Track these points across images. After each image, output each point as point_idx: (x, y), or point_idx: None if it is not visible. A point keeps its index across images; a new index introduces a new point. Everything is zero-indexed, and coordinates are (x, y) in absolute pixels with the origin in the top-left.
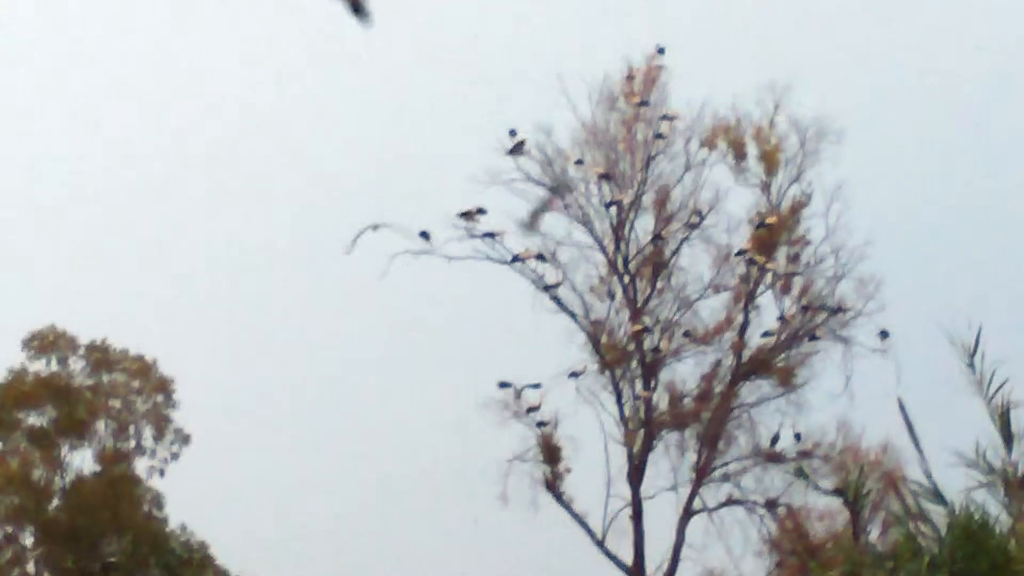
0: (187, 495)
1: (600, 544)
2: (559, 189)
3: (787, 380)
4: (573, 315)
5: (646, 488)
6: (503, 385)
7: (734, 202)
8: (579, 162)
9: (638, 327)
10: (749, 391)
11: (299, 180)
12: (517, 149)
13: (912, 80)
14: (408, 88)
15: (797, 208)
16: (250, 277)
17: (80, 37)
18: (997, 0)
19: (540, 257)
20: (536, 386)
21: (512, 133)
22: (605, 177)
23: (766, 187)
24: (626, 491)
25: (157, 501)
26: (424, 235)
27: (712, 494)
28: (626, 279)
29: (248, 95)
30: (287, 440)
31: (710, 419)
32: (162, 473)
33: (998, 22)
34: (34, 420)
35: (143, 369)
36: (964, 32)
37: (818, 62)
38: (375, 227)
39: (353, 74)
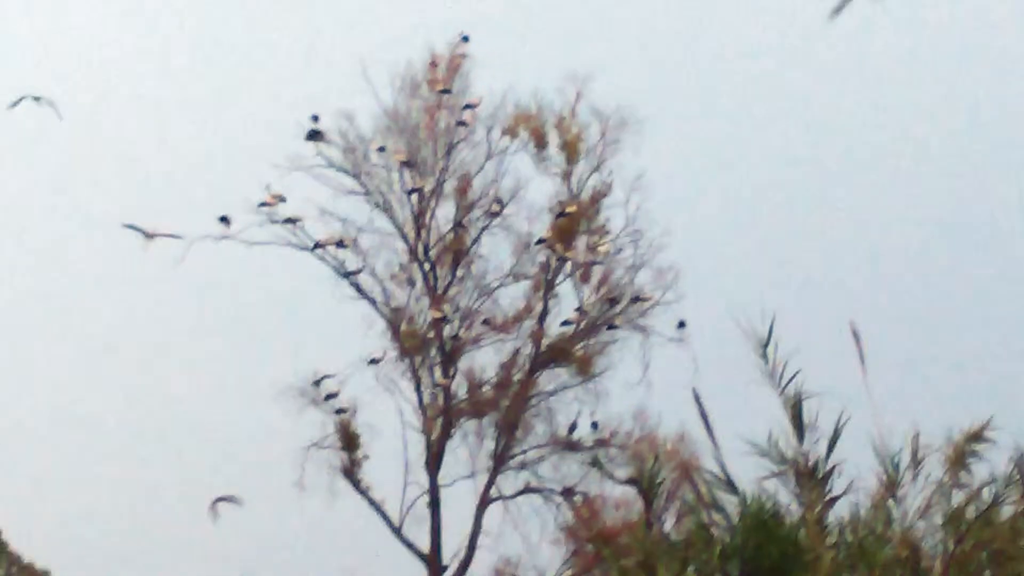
0: None
1: (397, 532)
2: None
3: (585, 369)
4: (373, 302)
5: (444, 476)
6: (317, 383)
7: (535, 191)
8: (381, 149)
9: (438, 314)
10: (548, 380)
11: (92, 161)
12: (315, 135)
13: (711, 70)
14: (211, 69)
15: (597, 197)
16: (45, 256)
17: None
18: None
19: (341, 244)
20: (327, 377)
21: (315, 119)
22: (407, 164)
23: (567, 176)
24: (424, 479)
25: None
26: (224, 220)
27: (510, 482)
28: (426, 267)
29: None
30: (81, 424)
31: (508, 407)
32: None
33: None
34: None
35: None
36: (769, 17)
37: (620, 51)
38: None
39: (160, 54)
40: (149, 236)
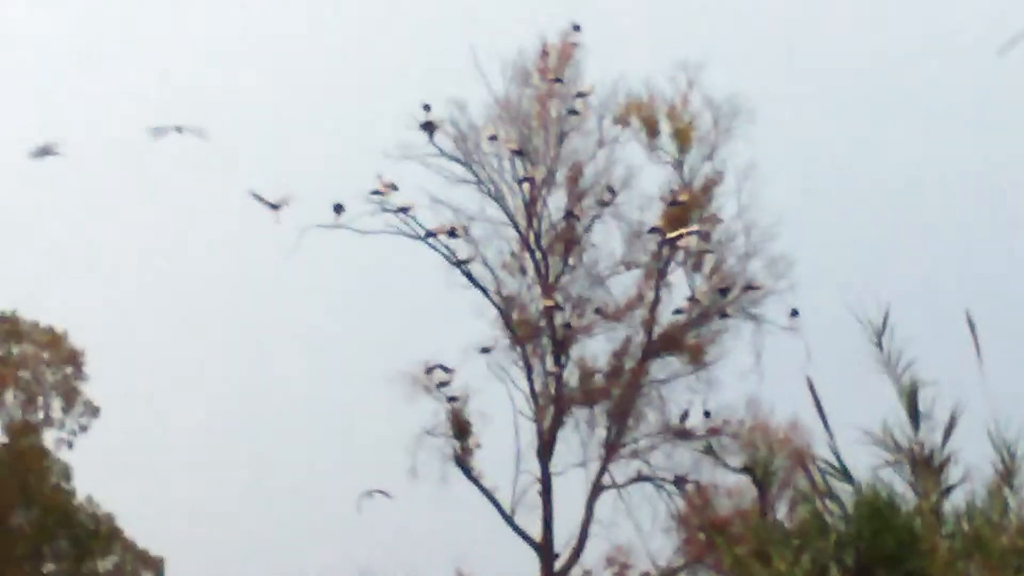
0: (95, 467)
1: (509, 519)
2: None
3: (697, 357)
4: (485, 290)
5: (555, 464)
6: (429, 371)
7: (647, 179)
8: (493, 138)
9: (549, 303)
10: (659, 368)
11: (212, 157)
12: (428, 125)
13: (824, 60)
14: (323, 61)
15: (709, 186)
16: (161, 250)
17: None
18: None
19: (452, 232)
20: (446, 369)
21: (426, 108)
22: (518, 153)
23: (679, 165)
24: (535, 467)
25: (65, 473)
26: (338, 208)
27: (621, 470)
28: (538, 255)
29: (161, 73)
30: (196, 413)
31: (620, 395)
32: (71, 445)
33: (907, 3)
34: None
35: (53, 341)
36: (879, 10)
37: (733, 41)
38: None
39: (270, 48)
40: (275, 207)
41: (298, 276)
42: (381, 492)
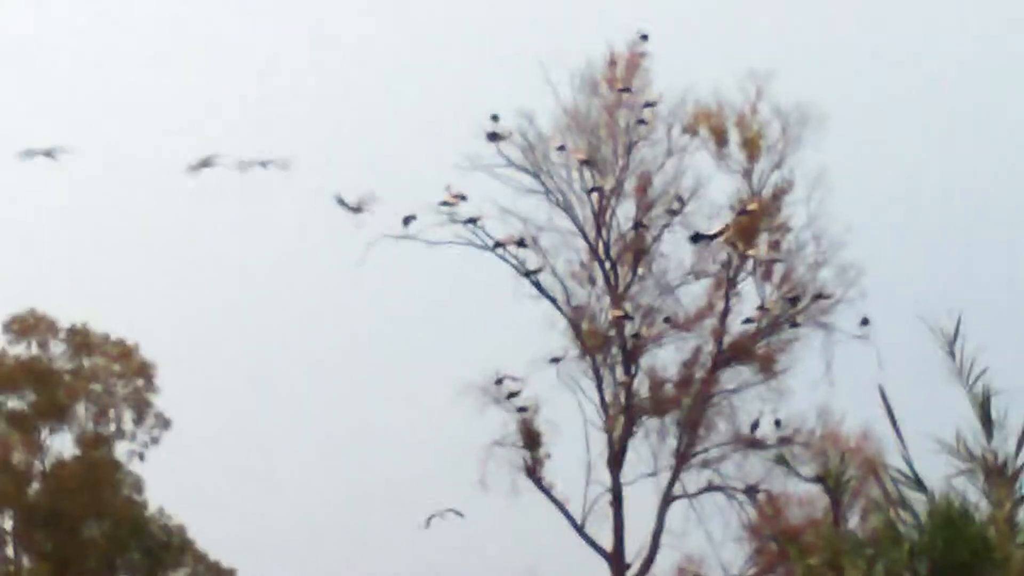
0: (167, 479)
1: (580, 530)
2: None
3: (767, 366)
4: (554, 301)
5: (626, 474)
6: (499, 381)
7: (715, 188)
8: (561, 148)
9: (619, 313)
10: (729, 377)
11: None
12: (495, 136)
13: (895, 67)
14: (390, 72)
15: (779, 195)
16: (230, 263)
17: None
18: None
19: (521, 243)
20: (514, 379)
21: (494, 118)
22: (586, 163)
23: (748, 174)
24: (606, 477)
25: (137, 485)
26: (407, 220)
27: (692, 480)
28: (607, 265)
29: (225, 83)
30: (266, 425)
31: (690, 405)
32: (142, 457)
33: (984, 10)
34: (14, 404)
35: (124, 353)
36: (950, 20)
37: (801, 49)
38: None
39: (336, 60)
40: (357, 210)
41: (367, 287)
42: (453, 511)
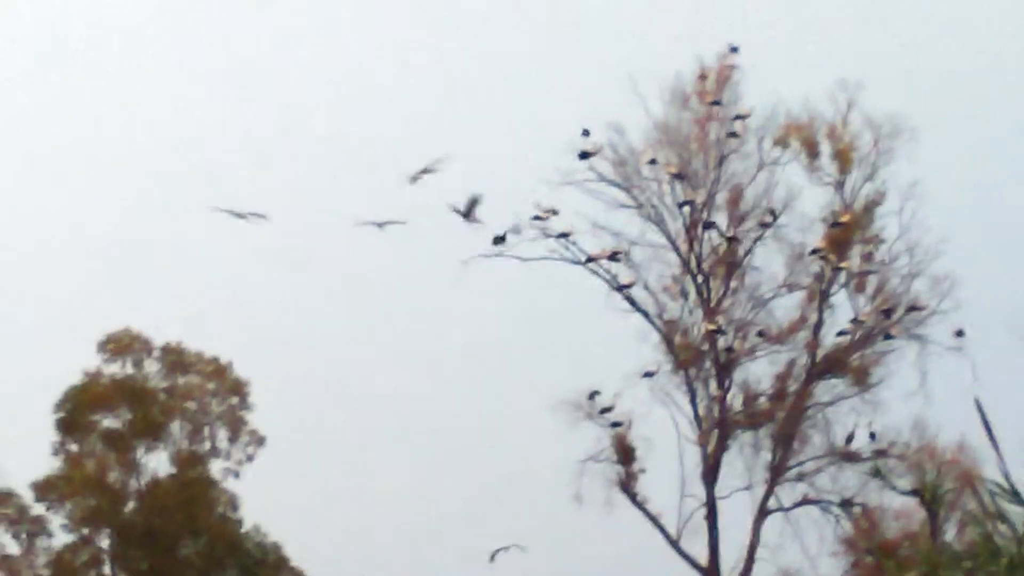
0: (262, 497)
1: (675, 544)
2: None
3: (862, 379)
4: (647, 315)
5: (720, 488)
6: (592, 396)
7: (807, 201)
8: (652, 162)
9: (712, 326)
10: (824, 390)
11: (371, 184)
12: (586, 155)
13: (987, 76)
14: (481, 89)
15: (871, 206)
16: (323, 279)
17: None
18: None
19: (614, 256)
20: (595, 395)
21: (586, 133)
22: (678, 176)
23: (840, 185)
24: (701, 491)
25: (232, 503)
26: (498, 239)
27: (787, 494)
28: (699, 279)
29: (317, 94)
30: (361, 442)
31: (784, 418)
32: (237, 475)
33: None
34: (109, 422)
35: (218, 371)
36: None
37: (892, 59)
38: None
39: (429, 72)
40: (468, 215)
41: (460, 303)
42: (516, 546)
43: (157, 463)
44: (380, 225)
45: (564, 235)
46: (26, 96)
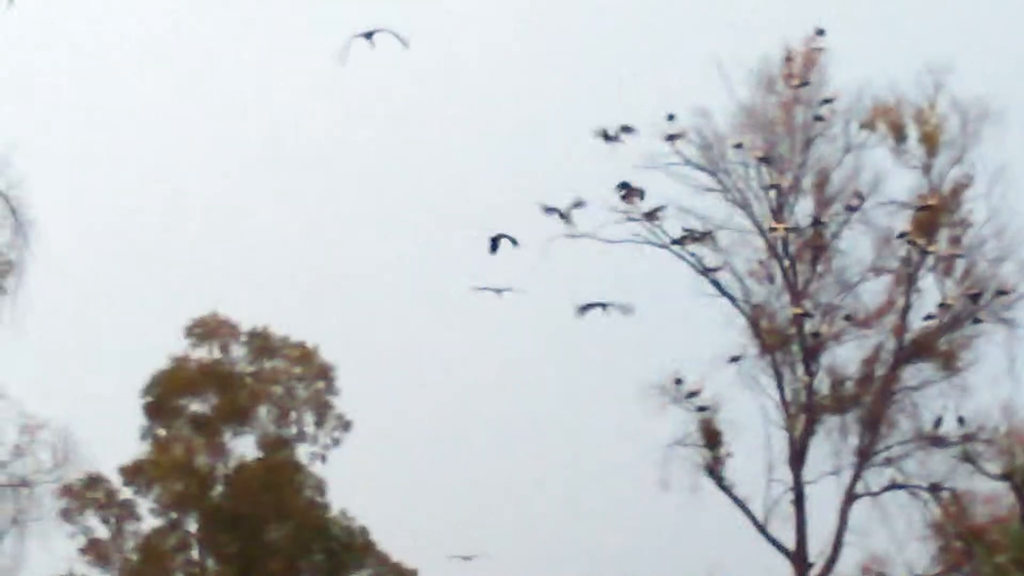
0: (348, 481)
1: (762, 529)
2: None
3: (950, 363)
4: (733, 299)
5: (808, 473)
6: (678, 380)
7: (894, 184)
8: (738, 145)
9: (798, 311)
10: (911, 374)
11: (452, 164)
12: (673, 137)
13: None
14: (568, 73)
15: (959, 190)
16: (403, 261)
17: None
18: None
19: (701, 236)
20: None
21: (670, 118)
22: (764, 160)
23: (927, 169)
24: (788, 476)
25: (319, 487)
26: (563, 216)
27: (875, 478)
28: (786, 263)
29: (395, 92)
30: (447, 427)
31: (872, 403)
32: (324, 459)
33: None
34: (196, 407)
35: (304, 356)
36: None
37: (980, 42)
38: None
39: (512, 59)
40: (566, 216)
41: (543, 286)
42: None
43: (244, 447)
44: (498, 291)
45: (651, 214)
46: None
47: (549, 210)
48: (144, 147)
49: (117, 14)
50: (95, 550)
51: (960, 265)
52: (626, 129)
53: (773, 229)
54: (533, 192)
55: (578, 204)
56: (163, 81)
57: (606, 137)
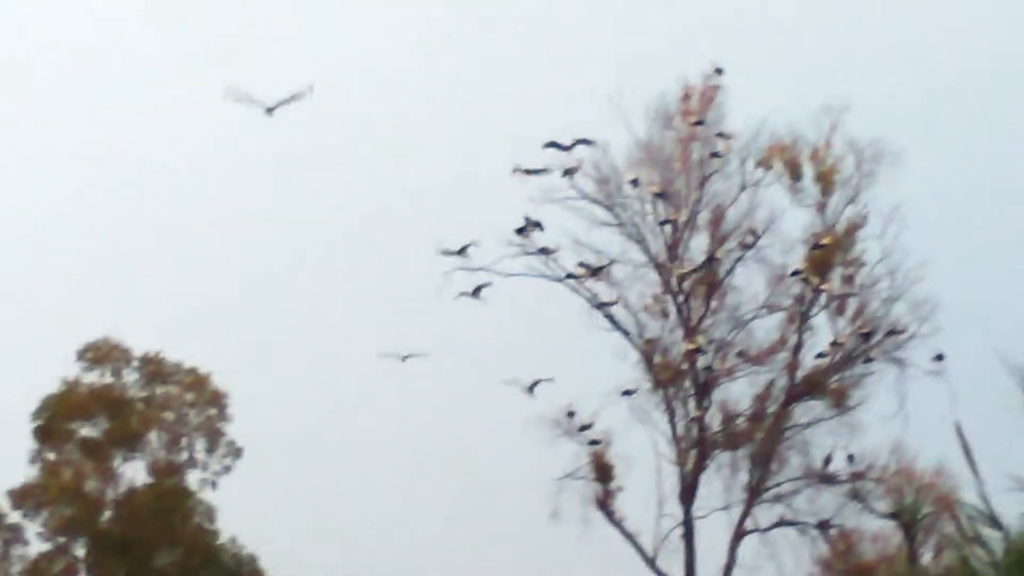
0: (239, 508)
1: (651, 563)
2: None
3: (840, 401)
4: (627, 333)
5: (698, 508)
6: (570, 414)
7: (789, 222)
8: (634, 181)
9: (692, 346)
10: (802, 412)
11: (352, 198)
12: (570, 170)
13: (970, 103)
14: (465, 106)
15: (853, 229)
16: (304, 293)
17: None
18: None
19: (596, 271)
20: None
21: (553, 145)
22: (660, 196)
23: (822, 208)
24: (678, 510)
25: (209, 514)
26: (461, 251)
27: (764, 514)
28: (680, 298)
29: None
30: (338, 454)
31: (763, 439)
32: (214, 486)
33: None
34: (87, 431)
35: (197, 382)
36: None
37: (876, 83)
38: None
39: (407, 92)
40: (461, 252)
41: (439, 316)
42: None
43: (134, 473)
44: (403, 358)
45: (544, 250)
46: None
47: (446, 252)
48: (34, 167)
49: None
50: None
51: (852, 304)
52: (538, 171)
53: (669, 271)
54: (433, 228)
55: (470, 245)
56: (44, 98)
57: (526, 172)
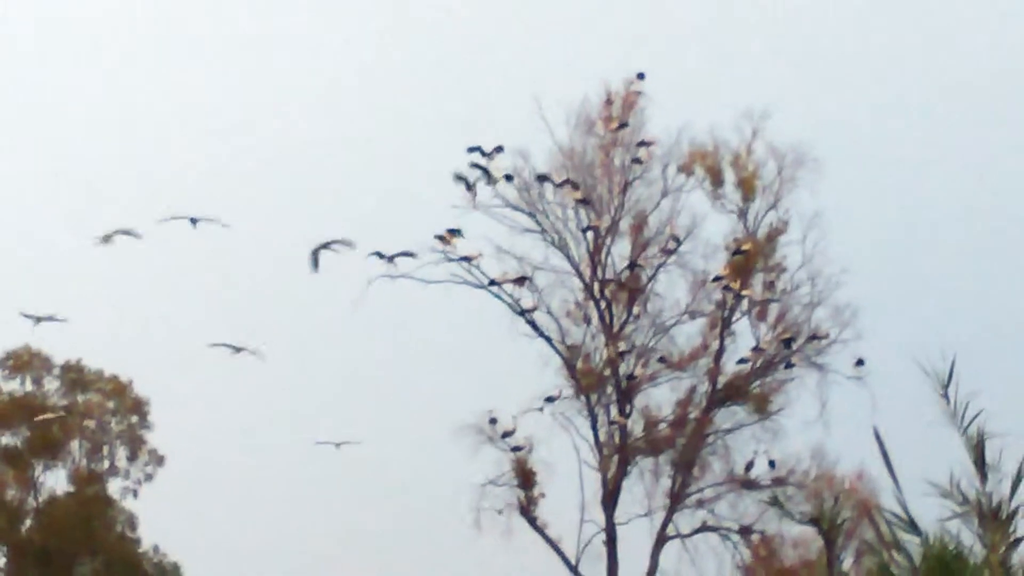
0: (160, 517)
1: (574, 569)
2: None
3: (762, 407)
4: (549, 340)
5: (620, 514)
6: (493, 420)
7: (711, 228)
8: (559, 184)
9: (614, 352)
10: (724, 417)
11: (274, 203)
12: (490, 177)
13: (890, 109)
14: (384, 110)
15: (774, 235)
16: (225, 297)
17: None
18: (973, 35)
19: (519, 280)
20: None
21: (475, 149)
22: (582, 202)
23: (743, 214)
24: (600, 516)
25: (130, 522)
26: (381, 256)
27: (686, 520)
28: (602, 304)
29: (216, 120)
30: (260, 463)
31: (685, 445)
32: (136, 494)
33: (988, 52)
34: (8, 440)
35: (118, 390)
36: (952, 61)
37: (798, 89)
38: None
39: (331, 94)
40: (392, 259)
41: (359, 326)
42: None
43: (55, 481)
44: (337, 445)
45: (467, 258)
46: None
47: (377, 255)
48: None
49: None
50: None
51: (774, 310)
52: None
53: (591, 277)
54: (355, 234)
55: (405, 255)
56: None
57: (467, 183)
